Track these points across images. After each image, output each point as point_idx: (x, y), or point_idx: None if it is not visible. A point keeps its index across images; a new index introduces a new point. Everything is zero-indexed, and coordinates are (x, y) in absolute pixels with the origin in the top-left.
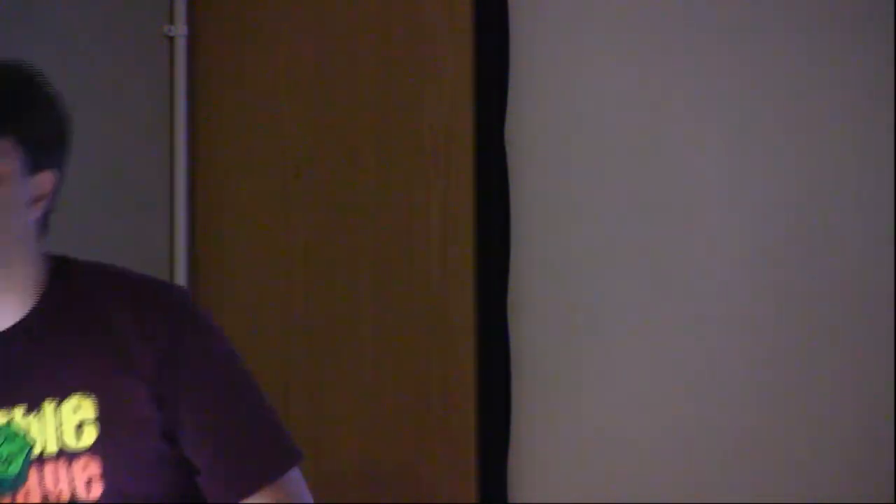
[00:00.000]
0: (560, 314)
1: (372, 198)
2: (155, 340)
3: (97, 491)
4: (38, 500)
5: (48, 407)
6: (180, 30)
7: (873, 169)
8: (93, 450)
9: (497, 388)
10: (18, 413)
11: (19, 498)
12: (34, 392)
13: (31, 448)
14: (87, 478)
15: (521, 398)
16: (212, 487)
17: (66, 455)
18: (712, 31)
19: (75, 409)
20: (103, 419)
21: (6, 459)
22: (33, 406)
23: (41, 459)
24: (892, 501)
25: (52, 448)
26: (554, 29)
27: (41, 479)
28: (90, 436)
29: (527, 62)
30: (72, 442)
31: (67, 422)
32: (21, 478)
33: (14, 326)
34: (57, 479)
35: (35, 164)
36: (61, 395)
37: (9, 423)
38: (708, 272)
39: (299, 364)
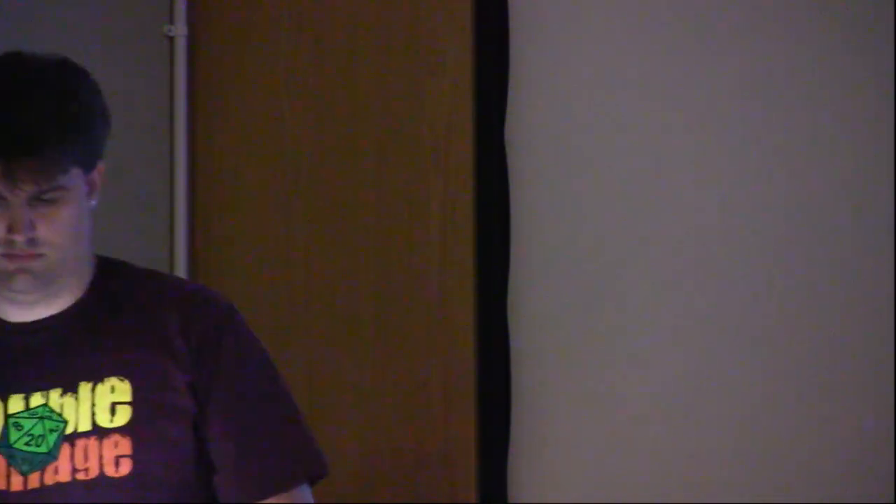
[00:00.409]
0: (560, 314)
1: (372, 198)
2: (196, 335)
3: (125, 469)
4: (66, 476)
5: (84, 388)
6: (180, 30)
7: (873, 169)
8: (124, 429)
9: (497, 388)
10: (54, 395)
11: (48, 474)
12: (70, 376)
13: (64, 426)
14: (116, 455)
15: (521, 398)
16: (227, 485)
17: (97, 432)
18: (712, 31)
19: (111, 391)
20: (138, 402)
21: (38, 437)
22: (69, 389)
23: (73, 436)
24: (893, 501)
25: (85, 426)
26: (554, 29)
27: (72, 455)
28: (123, 416)
29: (527, 62)
30: (104, 421)
31: (101, 402)
32: (52, 455)
33: (57, 315)
34: (87, 456)
35: (92, 163)
36: (97, 379)
37: (44, 405)
38: (708, 272)
39: (299, 363)
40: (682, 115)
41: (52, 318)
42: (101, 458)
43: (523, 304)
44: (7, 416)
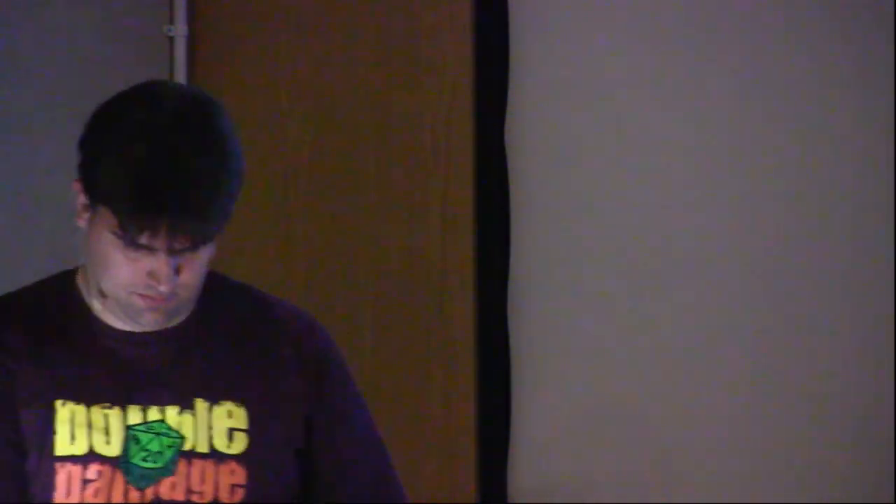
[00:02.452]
0: (560, 314)
1: (372, 198)
2: (309, 369)
3: (238, 498)
4: (181, 495)
5: (200, 406)
6: (180, 30)
7: (873, 168)
8: (241, 458)
9: (497, 388)
10: (171, 412)
11: (164, 488)
12: (186, 392)
13: (182, 442)
14: (231, 483)
15: (521, 398)
16: None
17: (215, 457)
18: (712, 31)
19: (228, 415)
20: (254, 431)
21: (155, 454)
22: (185, 406)
23: (190, 455)
24: (893, 502)
25: (203, 448)
26: (554, 28)
27: (188, 474)
28: (240, 444)
29: (527, 62)
30: (222, 446)
31: (219, 425)
32: (167, 471)
33: (170, 329)
34: (203, 478)
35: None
36: (213, 399)
37: (161, 421)
38: (708, 271)
39: None
40: (682, 115)
41: (161, 332)
42: (216, 483)
43: (523, 304)
44: (128, 428)
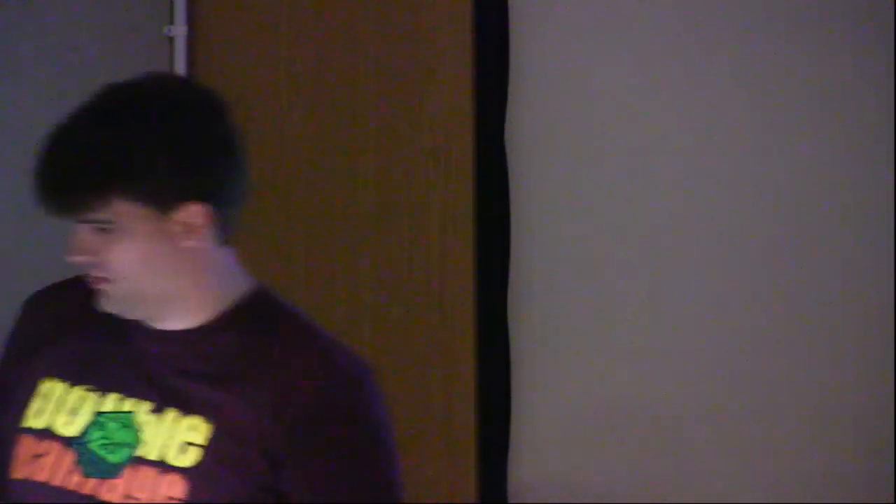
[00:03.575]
0: (560, 313)
1: (372, 198)
2: (289, 406)
3: None
4: (118, 499)
5: (170, 414)
6: (180, 30)
7: (873, 168)
8: (186, 472)
9: (497, 389)
10: (144, 408)
11: (104, 489)
12: (167, 395)
13: (137, 447)
14: (168, 495)
15: (521, 398)
16: None
17: (161, 466)
18: (713, 32)
19: (191, 429)
20: (210, 449)
21: (114, 445)
22: (159, 408)
23: (139, 461)
24: (893, 502)
25: (154, 455)
26: (554, 29)
27: (131, 479)
28: (191, 458)
29: (527, 62)
30: (171, 457)
31: (177, 437)
32: (116, 471)
33: (183, 330)
34: (143, 486)
35: (161, 202)
36: (185, 409)
37: (133, 413)
38: (707, 270)
39: None
40: (682, 115)
41: (176, 332)
42: (153, 492)
43: (523, 304)
44: (97, 413)
